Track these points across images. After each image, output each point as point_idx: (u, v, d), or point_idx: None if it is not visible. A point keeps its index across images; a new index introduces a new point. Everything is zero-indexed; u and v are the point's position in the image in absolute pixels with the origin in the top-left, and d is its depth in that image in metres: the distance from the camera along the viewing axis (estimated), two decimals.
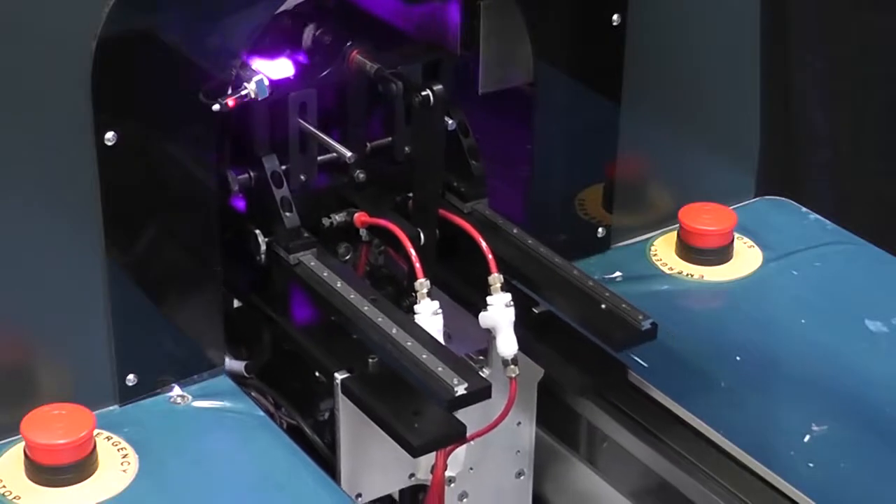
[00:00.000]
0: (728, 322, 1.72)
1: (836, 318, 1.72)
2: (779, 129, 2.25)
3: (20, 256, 1.44)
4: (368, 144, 1.64)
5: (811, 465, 1.51)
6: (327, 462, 1.57)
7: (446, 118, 1.59)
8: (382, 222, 1.57)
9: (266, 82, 1.46)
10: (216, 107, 1.44)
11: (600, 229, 1.81)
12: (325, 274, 1.54)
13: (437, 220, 1.60)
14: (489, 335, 1.56)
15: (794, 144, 2.32)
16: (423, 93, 1.53)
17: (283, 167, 1.57)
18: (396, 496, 1.65)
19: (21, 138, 1.39)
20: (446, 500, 1.59)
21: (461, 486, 1.66)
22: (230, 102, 1.45)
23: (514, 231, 1.65)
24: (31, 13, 1.35)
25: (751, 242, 1.84)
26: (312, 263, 1.55)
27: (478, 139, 1.73)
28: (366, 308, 1.49)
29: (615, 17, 1.68)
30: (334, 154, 1.58)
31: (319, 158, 1.61)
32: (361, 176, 1.62)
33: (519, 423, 1.67)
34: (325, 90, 1.60)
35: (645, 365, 1.62)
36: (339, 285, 1.52)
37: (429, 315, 1.49)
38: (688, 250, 1.80)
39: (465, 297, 1.61)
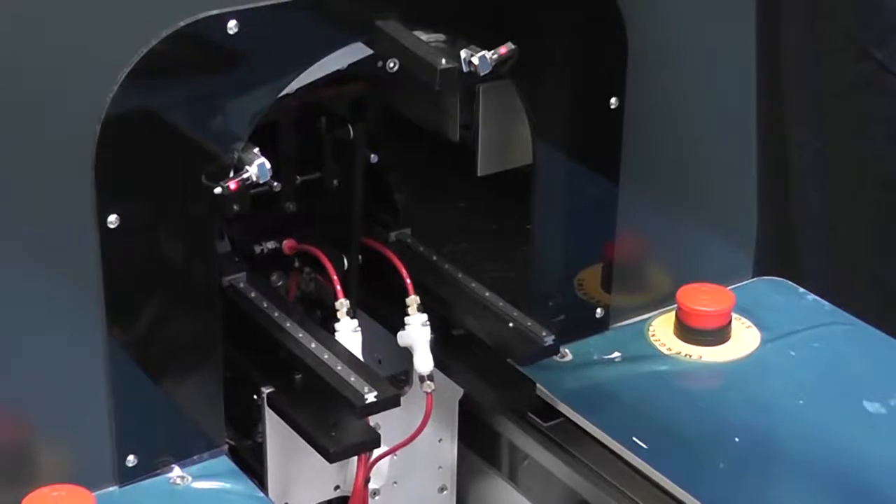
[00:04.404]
0: (726, 403, 1.72)
1: (834, 399, 1.72)
2: (776, 211, 2.26)
3: (21, 336, 1.44)
4: (299, 178, 1.72)
5: None
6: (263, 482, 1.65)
7: (370, 152, 1.72)
8: (308, 247, 1.69)
9: (268, 165, 1.48)
10: (218, 189, 1.46)
11: (599, 309, 1.82)
12: (252, 295, 1.65)
13: (361, 248, 1.73)
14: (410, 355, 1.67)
15: (791, 225, 2.33)
16: (344, 127, 1.66)
17: None
18: None
19: (23, 220, 1.40)
20: None
21: (386, 499, 1.76)
22: (232, 185, 1.46)
23: (434, 258, 1.78)
24: (36, 97, 1.37)
25: (748, 323, 1.84)
26: (242, 286, 1.66)
27: (476, 218, 1.80)
28: (288, 325, 1.60)
29: (613, 100, 1.70)
30: (267, 186, 1.64)
31: (253, 191, 1.65)
32: (292, 207, 1.73)
33: (441, 440, 1.78)
34: (258, 125, 1.64)
35: (644, 446, 1.62)
36: (265, 305, 1.63)
37: (348, 332, 1.62)
38: (686, 331, 1.80)
39: (392, 322, 1.70)
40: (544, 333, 1.67)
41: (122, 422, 1.51)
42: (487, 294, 1.72)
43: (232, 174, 1.47)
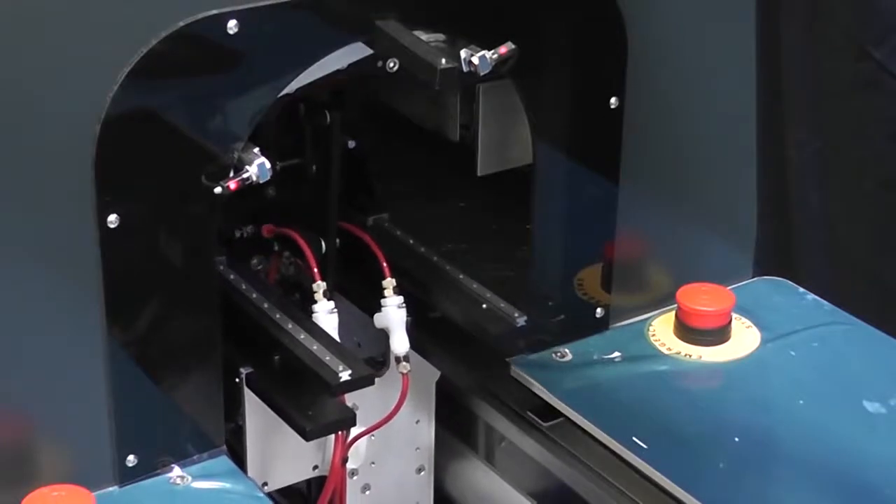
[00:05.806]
0: (726, 403, 1.72)
1: (834, 399, 1.72)
2: (775, 210, 2.26)
3: (21, 336, 1.44)
4: (279, 164, 1.74)
5: None
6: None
7: (348, 138, 1.76)
8: (286, 231, 1.73)
9: (268, 165, 1.48)
10: (218, 189, 1.46)
11: (599, 309, 1.81)
12: (231, 277, 1.70)
13: (338, 231, 1.77)
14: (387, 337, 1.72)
15: (791, 225, 2.33)
16: (322, 114, 1.70)
17: None
18: (305, 488, 1.79)
19: (24, 221, 1.40)
20: (350, 492, 1.75)
21: (364, 478, 1.82)
22: (232, 185, 1.46)
23: (411, 241, 1.84)
24: (36, 97, 1.37)
25: (748, 323, 1.84)
26: (221, 268, 1.70)
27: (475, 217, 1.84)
28: (266, 306, 1.65)
29: (613, 99, 1.70)
30: None
31: None
32: (272, 192, 1.76)
33: (418, 421, 1.83)
34: None
35: (644, 446, 1.62)
36: (243, 287, 1.68)
37: (325, 313, 1.66)
38: (686, 331, 1.80)
39: (372, 306, 1.74)
40: (516, 314, 1.72)
41: (122, 422, 1.51)
42: (461, 276, 1.77)
43: (232, 174, 1.47)
